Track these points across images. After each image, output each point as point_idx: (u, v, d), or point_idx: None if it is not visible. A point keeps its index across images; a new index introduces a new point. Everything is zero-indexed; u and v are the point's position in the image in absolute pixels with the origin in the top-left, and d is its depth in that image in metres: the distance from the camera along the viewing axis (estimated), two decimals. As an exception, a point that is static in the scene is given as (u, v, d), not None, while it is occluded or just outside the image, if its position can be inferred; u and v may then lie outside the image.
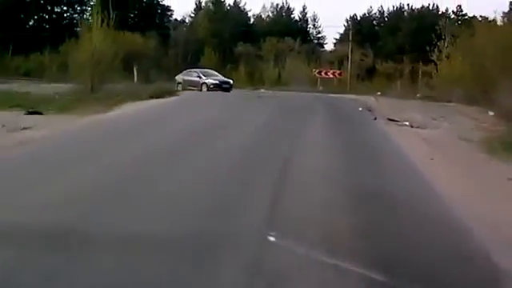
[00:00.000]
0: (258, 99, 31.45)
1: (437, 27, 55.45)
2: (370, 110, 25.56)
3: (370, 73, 71.67)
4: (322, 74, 62.68)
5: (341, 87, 59.31)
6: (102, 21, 35.18)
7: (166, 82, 41.98)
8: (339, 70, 66.24)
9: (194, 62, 75.86)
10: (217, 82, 45.79)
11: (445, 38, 40.93)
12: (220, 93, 39.61)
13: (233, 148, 12.82)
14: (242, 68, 70.03)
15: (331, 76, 62.58)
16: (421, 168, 11.30)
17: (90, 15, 59.58)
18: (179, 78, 48.37)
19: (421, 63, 56.95)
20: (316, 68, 65.06)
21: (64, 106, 21.96)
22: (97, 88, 32.73)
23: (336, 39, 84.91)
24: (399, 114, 23.24)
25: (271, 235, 6.10)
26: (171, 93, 33.40)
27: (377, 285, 5.10)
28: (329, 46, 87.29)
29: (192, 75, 47.59)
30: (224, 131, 15.77)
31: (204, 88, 44.35)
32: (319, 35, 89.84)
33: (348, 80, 60.92)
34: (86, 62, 33.45)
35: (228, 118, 19.65)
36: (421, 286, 5.16)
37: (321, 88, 57.96)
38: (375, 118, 21.78)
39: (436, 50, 41.16)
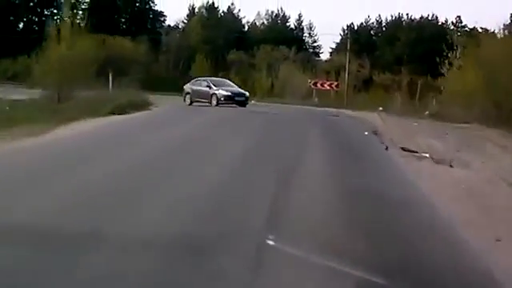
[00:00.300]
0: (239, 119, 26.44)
1: (448, 37, 50.32)
2: (376, 134, 20.83)
3: (366, 84, 67.68)
4: (318, 85, 57.37)
5: (338, 100, 54.77)
6: (73, 24, 30.83)
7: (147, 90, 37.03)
8: (336, 81, 61.22)
9: (185, 69, 73.91)
10: (229, 93, 39.24)
11: (456, 49, 35.95)
12: (209, 109, 33.82)
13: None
14: (233, 76, 65.23)
15: (328, 88, 57.33)
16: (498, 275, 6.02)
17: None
18: (187, 87, 42.06)
19: (428, 77, 51.98)
20: (311, 78, 60.03)
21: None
22: (67, 96, 28.36)
23: (332, 48, 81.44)
24: (413, 140, 18.55)
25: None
26: (142, 106, 27.82)
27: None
28: (325, 55, 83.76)
29: (201, 85, 41.15)
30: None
31: (214, 101, 38.38)
32: (315, 44, 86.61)
33: (345, 92, 55.75)
34: (52, 67, 28.91)
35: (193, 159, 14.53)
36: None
37: (316, 100, 53.69)
38: (386, 148, 16.87)
39: (446, 62, 36.29)
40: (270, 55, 73.89)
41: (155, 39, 77.62)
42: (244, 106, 38.26)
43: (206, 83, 41.02)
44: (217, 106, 37.20)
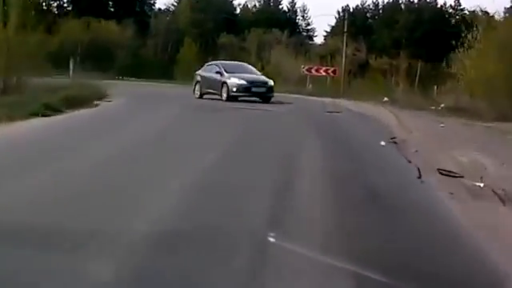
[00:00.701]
0: (211, 117, 20.02)
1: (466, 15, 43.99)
2: (395, 142, 14.89)
3: (362, 69, 62.10)
4: (313, 71, 50.29)
5: (334, 87, 48.72)
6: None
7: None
8: (332, 66, 54.94)
9: (174, 54, 69.18)
10: (243, 82, 28.66)
11: (473, 30, 29.85)
12: (191, 103, 25.72)
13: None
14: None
15: (323, 74, 50.67)
16: None
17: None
18: (198, 74, 32.07)
19: (444, 64, 45.63)
20: (305, 63, 53.59)
21: None
22: (19, 85, 23.07)
23: (327, 32, 75.71)
24: (451, 154, 12.67)
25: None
26: (90, 101, 20.87)
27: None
28: (319, 39, 78.49)
29: (211, 70, 31.04)
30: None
31: (224, 93, 28.64)
32: (308, 27, 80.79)
33: (342, 79, 49.37)
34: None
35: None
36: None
37: (310, 87, 47.44)
38: (420, 176, 10.72)
39: (464, 45, 30.25)
40: (262, 38, 68.74)
41: (143, 22, 72.62)
42: (267, 100, 28.31)
43: (216, 68, 30.77)
44: (228, 101, 27.61)
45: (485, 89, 26.40)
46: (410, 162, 12.07)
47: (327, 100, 33.37)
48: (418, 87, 50.95)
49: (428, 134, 16.35)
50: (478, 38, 28.86)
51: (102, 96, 23.04)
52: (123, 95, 25.34)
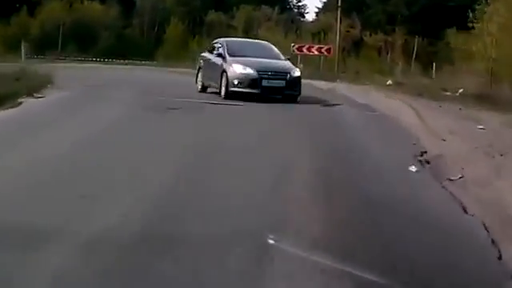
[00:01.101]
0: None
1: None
2: (427, 160, 9.68)
3: (357, 46, 57.50)
4: (304, 50, 44.13)
5: (327, 67, 43.38)
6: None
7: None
8: (324, 44, 49.49)
9: (160, 34, 64.50)
10: (250, 71, 19.06)
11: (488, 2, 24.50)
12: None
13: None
14: (204, 40, 54.11)
15: (316, 53, 44.66)
16: None
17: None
18: (202, 58, 22.94)
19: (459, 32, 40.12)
20: (295, 41, 47.81)
21: None
22: None
23: (318, 8, 70.01)
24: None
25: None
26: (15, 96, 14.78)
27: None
28: (310, 16, 73.44)
29: (213, 53, 21.49)
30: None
31: (223, 86, 19.38)
32: (300, 3, 75.03)
33: (337, 59, 43.54)
34: None
35: None
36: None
37: (301, 67, 41.97)
38: (500, 256, 5.45)
39: (476, 20, 24.97)
40: (251, 15, 63.62)
41: (129, 1, 66.58)
42: (291, 99, 18.99)
43: (219, 49, 21.04)
44: (227, 98, 18.80)
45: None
46: (465, 210, 6.95)
47: (321, 84, 27.90)
48: (415, 65, 46.39)
49: (468, 143, 11.00)
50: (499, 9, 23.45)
51: (41, 87, 17.56)
52: (74, 85, 20.03)
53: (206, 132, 11.57)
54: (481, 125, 13.39)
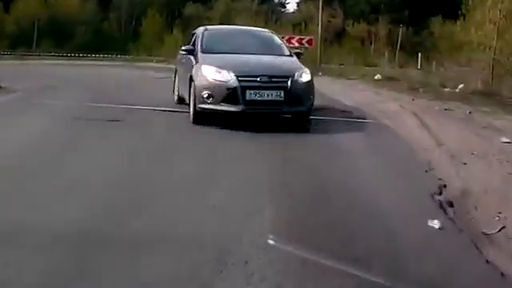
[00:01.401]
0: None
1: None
2: (450, 202, 6.47)
3: (339, 36, 54.42)
4: (284, 41, 41.47)
5: (309, 59, 40.19)
6: None
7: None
8: (306, 35, 46.45)
9: (138, 28, 61.52)
10: (225, 77, 11.27)
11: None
12: None
13: None
14: (178, 34, 51.28)
15: (296, 44, 41.32)
16: None
17: None
18: (179, 57, 14.93)
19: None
20: (275, 33, 44.66)
21: None
22: None
23: (299, -1, 66.87)
24: None
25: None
26: None
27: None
28: (291, 6, 70.50)
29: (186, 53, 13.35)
30: None
31: (191, 101, 11.79)
32: (280, -7, 71.34)
33: (319, 51, 40.17)
34: None
35: None
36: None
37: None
38: None
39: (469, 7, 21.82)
40: (230, 7, 60.22)
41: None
42: (301, 121, 11.86)
43: (190, 47, 13.31)
44: (197, 121, 11.55)
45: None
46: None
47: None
48: (399, 55, 43.59)
49: (498, 167, 7.72)
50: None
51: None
52: (18, 87, 17.09)
53: (135, 168, 8.05)
54: (504, 136, 10.22)
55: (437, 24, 45.86)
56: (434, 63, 32.06)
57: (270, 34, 14.45)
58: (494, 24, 20.46)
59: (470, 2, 22.55)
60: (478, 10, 21.48)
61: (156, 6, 62.12)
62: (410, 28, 52.77)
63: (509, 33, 20.01)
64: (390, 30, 52.09)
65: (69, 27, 57.95)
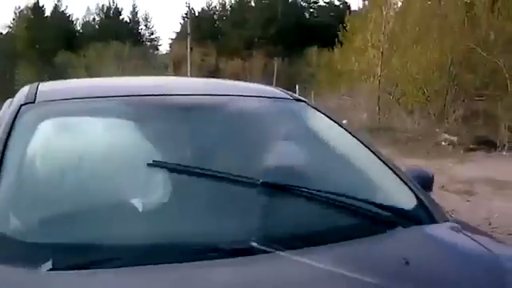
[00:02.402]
0: None
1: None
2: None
3: (213, 74, 49.29)
4: None
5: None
6: None
7: None
8: (176, 75, 42.32)
9: (11, 79, 55.52)
10: None
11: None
12: None
13: None
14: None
15: None
16: None
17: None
18: None
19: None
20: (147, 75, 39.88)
21: None
22: None
23: (172, 39, 62.64)
24: None
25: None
26: None
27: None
28: (165, 47, 66.27)
29: None
30: None
31: None
32: (153, 36, 67.14)
33: None
34: None
35: None
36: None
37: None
38: None
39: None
40: (102, 53, 54.13)
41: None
42: None
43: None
44: None
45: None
46: None
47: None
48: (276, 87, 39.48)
49: None
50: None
51: None
52: None
53: None
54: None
55: (313, 54, 41.97)
56: (313, 94, 27.38)
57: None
58: (378, 49, 15.65)
59: (348, 27, 17.76)
60: (357, 35, 16.60)
61: (29, 57, 57.82)
62: (286, 59, 48.85)
63: (395, 58, 15.25)
64: (265, 63, 48.63)
65: None
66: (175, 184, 2.28)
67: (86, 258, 1.92)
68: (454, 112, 14.23)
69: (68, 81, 3.62)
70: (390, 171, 2.62)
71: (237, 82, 4.19)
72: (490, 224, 7.31)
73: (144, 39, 65.42)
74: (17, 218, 2.05)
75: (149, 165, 2.28)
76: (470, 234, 2.40)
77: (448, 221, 2.47)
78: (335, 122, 2.96)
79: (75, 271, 1.85)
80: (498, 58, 14.28)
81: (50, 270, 1.83)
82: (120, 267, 1.89)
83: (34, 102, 2.62)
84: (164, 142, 2.49)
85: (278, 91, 3.22)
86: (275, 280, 1.89)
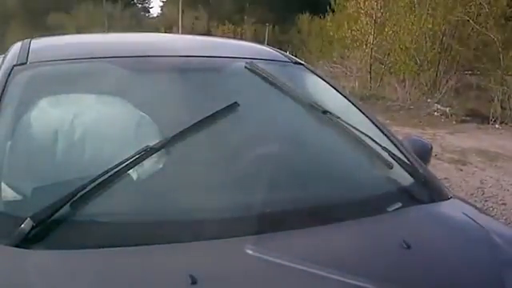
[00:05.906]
0: None
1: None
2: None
3: (205, 37, 48.73)
4: None
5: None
6: None
7: None
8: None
9: (1, 39, 55.07)
10: None
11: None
12: None
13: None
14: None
15: None
16: None
17: None
18: None
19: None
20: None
21: None
22: None
23: (163, 2, 61.59)
24: None
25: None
26: None
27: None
28: (155, 11, 65.85)
29: None
30: None
31: None
32: (144, -2, 65.81)
33: None
34: None
35: None
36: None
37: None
38: None
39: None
40: (93, 14, 53.67)
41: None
42: None
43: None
44: None
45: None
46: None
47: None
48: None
49: None
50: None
51: None
52: None
53: None
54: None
55: (305, 21, 41.45)
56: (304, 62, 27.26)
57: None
58: (371, 17, 15.48)
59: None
60: (350, 2, 16.40)
61: (21, 19, 56.65)
62: (277, 26, 48.10)
63: (388, 26, 15.09)
64: (255, 30, 47.65)
65: None
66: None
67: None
68: (446, 82, 14.16)
69: (61, 37, 3.59)
70: (392, 145, 2.56)
71: (235, 42, 4.35)
72: (483, 194, 7.32)
73: (135, 1, 64.65)
74: (9, 186, 1.97)
75: (145, 129, 2.21)
76: (471, 214, 2.33)
77: (451, 198, 2.42)
78: (336, 89, 2.97)
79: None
80: (491, 31, 14.18)
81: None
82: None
83: (26, 63, 2.53)
84: (162, 106, 2.44)
85: (276, 53, 3.26)
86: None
